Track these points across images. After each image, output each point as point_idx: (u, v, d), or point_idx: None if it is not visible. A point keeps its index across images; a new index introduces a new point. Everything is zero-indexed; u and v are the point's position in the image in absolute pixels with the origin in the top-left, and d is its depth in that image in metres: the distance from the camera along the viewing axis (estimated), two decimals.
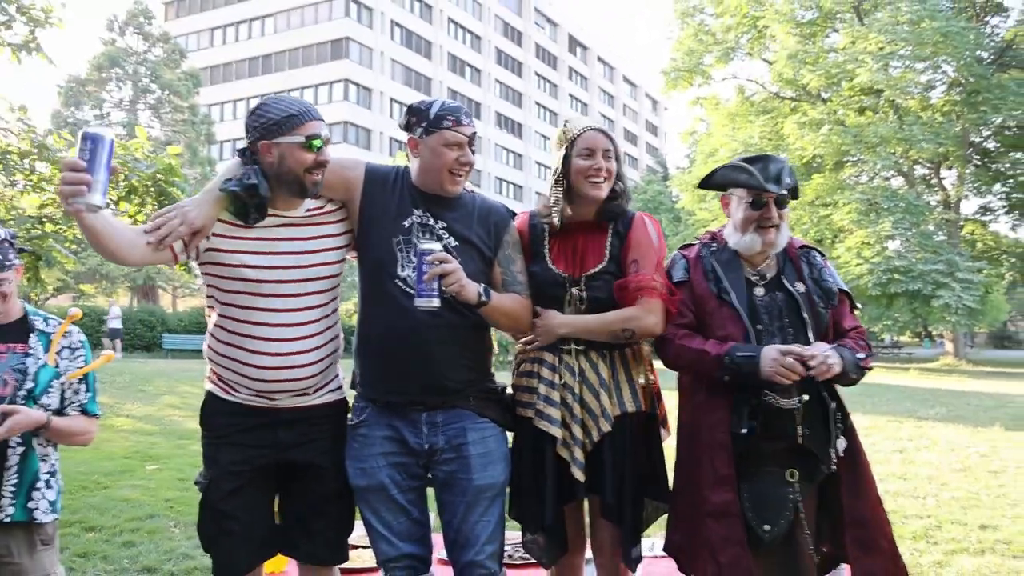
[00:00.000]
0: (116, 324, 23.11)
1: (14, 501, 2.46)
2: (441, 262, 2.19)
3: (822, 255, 2.59)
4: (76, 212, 2.03)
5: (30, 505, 2.49)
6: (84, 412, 2.67)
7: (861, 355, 2.40)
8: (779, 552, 2.36)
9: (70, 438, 2.62)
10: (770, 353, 2.27)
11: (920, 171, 31.94)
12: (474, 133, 2.42)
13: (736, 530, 2.34)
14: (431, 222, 2.43)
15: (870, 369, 2.47)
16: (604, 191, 2.50)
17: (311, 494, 2.49)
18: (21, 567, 2.48)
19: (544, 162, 63.25)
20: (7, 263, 2.56)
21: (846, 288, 2.55)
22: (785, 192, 2.45)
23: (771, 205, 2.44)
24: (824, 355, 2.25)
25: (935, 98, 29.50)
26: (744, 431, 2.34)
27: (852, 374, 2.35)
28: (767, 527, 2.34)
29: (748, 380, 2.32)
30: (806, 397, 2.32)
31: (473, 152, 2.43)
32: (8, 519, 2.45)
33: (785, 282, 2.46)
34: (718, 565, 2.34)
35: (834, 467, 2.37)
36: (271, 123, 2.27)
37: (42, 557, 2.53)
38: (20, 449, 2.48)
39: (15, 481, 2.46)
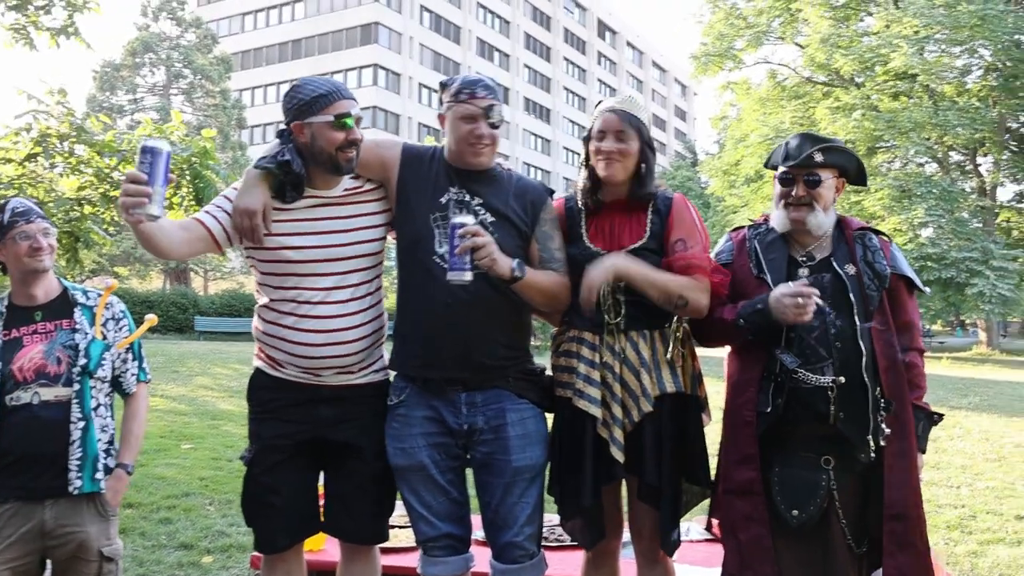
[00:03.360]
0: None
1: (81, 474, 2.49)
2: (473, 235, 2.18)
3: (881, 236, 2.50)
4: (136, 223, 2.08)
5: (97, 476, 2.53)
6: (136, 380, 2.74)
7: (924, 421, 2.45)
8: (812, 540, 2.31)
9: (141, 428, 2.75)
10: (780, 299, 2.24)
11: (955, 157, 31.31)
12: (491, 106, 2.37)
13: (759, 509, 2.32)
14: (467, 198, 2.42)
15: (937, 417, 2.55)
16: (615, 171, 2.44)
17: (352, 473, 2.50)
18: (88, 535, 2.52)
19: (572, 147, 62.91)
20: (44, 217, 2.60)
21: (907, 273, 2.45)
22: (800, 168, 2.39)
23: (799, 182, 2.40)
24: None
25: (971, 83, 28.84)
26: (768, 409, 2.31)
27: (926, 438, 2.48)
28: (795, 512, 2.30)
29: (769, 332, 2.30)
30: (842, 379, 2.27)
31: (493, 125, 2.39)
32: (77, 491, 2.48)
33: (834, 263, 2.40)
34: (738, 542, 2.36)
35: (873, 456, 2.30)
36: (302, 104, 2.32)
37: (106, 527, 2.58)
38: (81, 424, 2.51)
39: (79, 455, 2.49)
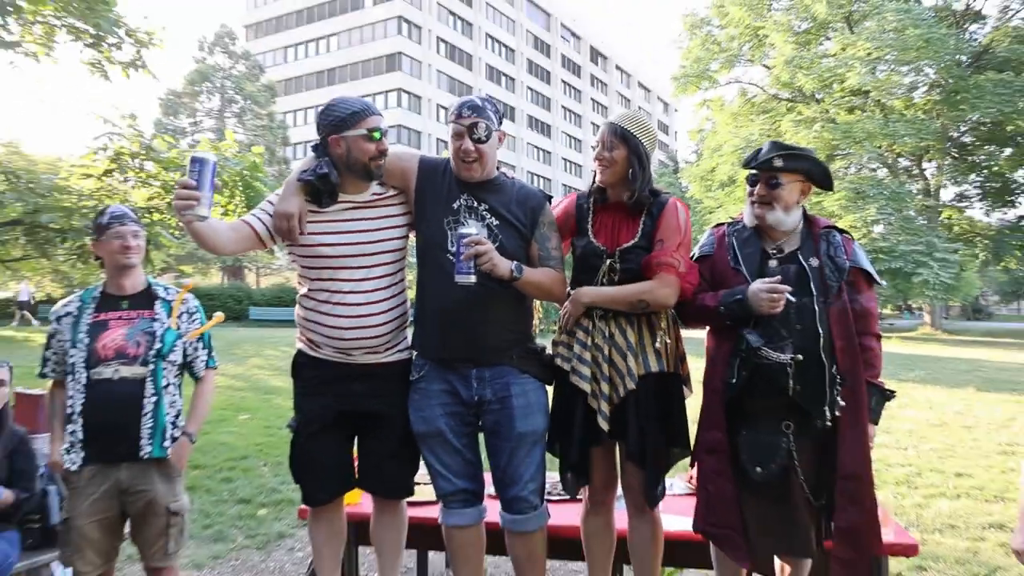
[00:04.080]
0: (24, 297, 23.62)
1: (151, 441, 2.53)
2: (476, 244, 2.21)
3: (843, 233, 2.47)
4: (188, 223, 2.14)
5: (165, 444, 2.57)
6: (206, 366, 2.77)
7: (878, 396, 2.41)
8: (777, 495, 2.33)
9: (207, 405, 2.78)
10: (757, 293, 2.27)
11: (903, 163, 31.00)
12: (474, 124, 2.36)
13: (724, 465, 2.35)
14: (475, 204, 2.43)
15: (890, 394, 2.46)
16: (605, 176, 2.49)
17: (382, 439, 2.53)
18: (157, 493, 2.56)
19: (569, 158, 62.78)
20: (136, 221, 2.65)
21: (865, 266, 2.41)
22: (762, 171, 2.39)
23: (762, 183, 2.40)
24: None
25: (918, 98, 28.53)
26: (734, 380, 2.33)
27: (879, 412, 2.43)
28: (759, 468, 2.32)
29: (745, 319, 2.32)
30: (800, 357, 2.27)
31: (479, 140, 2.37)
32: (147, 456, 2.52)
33: (800, 256, 2.40)
34: (707, 492, 2.40)
35: (829, 423, 2.30)
36: (338, 120, 2.34)
37: (172, 486, 2.62)
38: (153, 399, 2.55)
39: (150, 425, 2.53)
